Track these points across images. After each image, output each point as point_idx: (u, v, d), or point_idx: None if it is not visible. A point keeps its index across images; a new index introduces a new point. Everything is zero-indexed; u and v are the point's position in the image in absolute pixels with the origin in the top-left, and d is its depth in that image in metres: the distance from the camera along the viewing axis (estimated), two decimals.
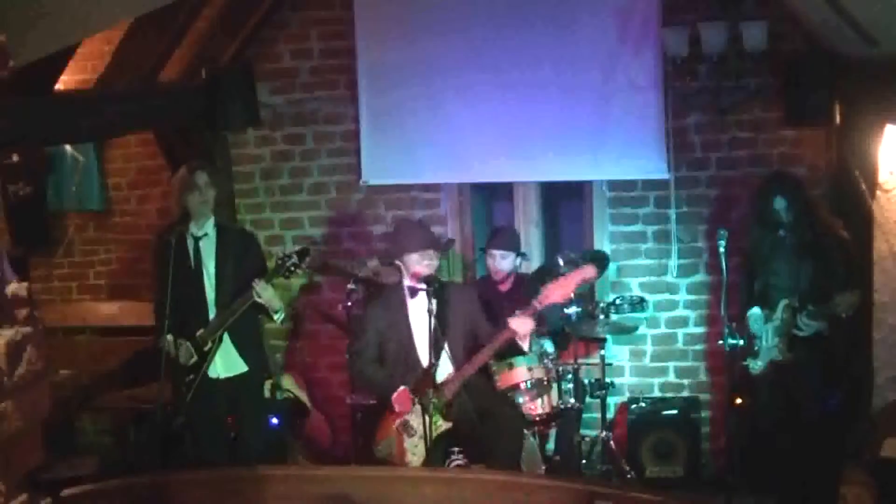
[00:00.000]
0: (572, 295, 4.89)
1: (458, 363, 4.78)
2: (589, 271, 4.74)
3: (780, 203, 5.08)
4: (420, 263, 4.78)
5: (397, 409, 4.77)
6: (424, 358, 4.75)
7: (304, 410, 6.14)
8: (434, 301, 4.59)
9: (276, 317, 5.05)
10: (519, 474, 4.64)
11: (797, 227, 5.07)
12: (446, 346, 4.76)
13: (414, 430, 4.73)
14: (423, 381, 4.69)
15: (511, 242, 5.58)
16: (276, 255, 4.93)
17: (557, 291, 4.66)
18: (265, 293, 4.84)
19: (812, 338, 4.94)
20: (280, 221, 6.45)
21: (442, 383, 4.73)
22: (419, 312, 4.79)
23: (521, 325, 4.69)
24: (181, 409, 4.96)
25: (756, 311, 5.10)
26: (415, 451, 4.74)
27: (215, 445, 5.09)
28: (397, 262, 4.90)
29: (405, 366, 4.82)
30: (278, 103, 6.31)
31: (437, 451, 4.70)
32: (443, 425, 4.71)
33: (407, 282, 4.87)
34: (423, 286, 4.69)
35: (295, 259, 4.80)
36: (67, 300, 6.79)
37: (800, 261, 5.04)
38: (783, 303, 4.99)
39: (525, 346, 4.75)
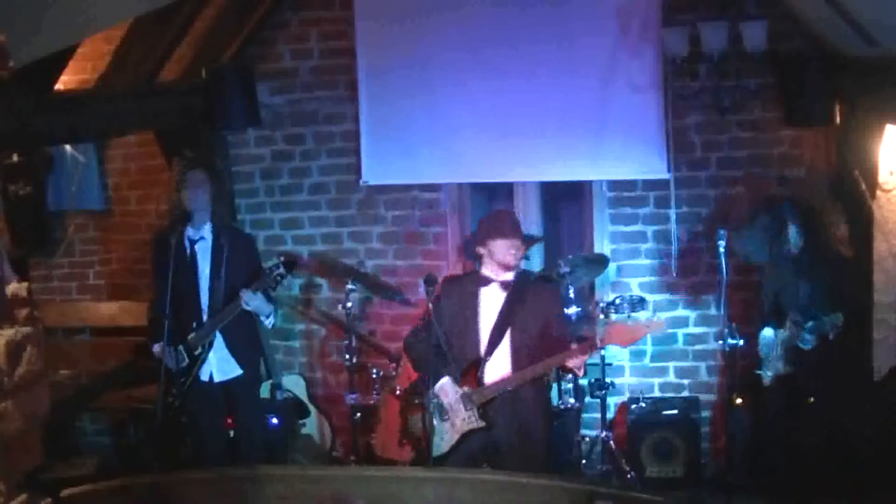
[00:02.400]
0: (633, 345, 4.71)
1: (515, 360, 4.60)
2: (658, 325, 4.52)
3: (793, 233, 5.08)
4: (507, 252, 4.59)
5: (439, 396, 4.63)
6: (482, 348, 4.61)
7: (304, 410, 6.14)
8: (498, 306, 4.55)
9: (266, 322, 5.04)
10: (519, 474, 4.64)
11: (793, 237, 5.08)
12: (508, 342, 4.60)
13: (448, 415, 4.59)
14: (470, 372, 4.58)
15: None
16: (265, 267, 4.90)
17: (624, 336, 4.41)
18: (252, 302, 4.84)
19: (814, 349, 4.95)
20: (280, 221, 6.45)
21: (485, 385, 4.56)
22: (489, 302, 4.65)
23: (576, 361, 4.44)
24: (171, 412, 4.94)
25: (767, 334, 5.09)
26: (444, 436, 4.61)
27: (214, 448, 5.08)
28: (480, 250, 4.69)
29: (462, 352, 4.65)
30: (278, 103, 6.31)
31: (468, 450, 4.58)
32: (475, 423, 4.55)
33: (484, 270, 4.67)
34: (503, 277, 4.60)
35: (282, 270, 4.80)
36: (67, 300, 6.79)
37: (801, 276, 5.05)
38: (790, 318, 5.00)
39: (580, 373, 4.55)
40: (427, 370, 4.64)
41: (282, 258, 4.88)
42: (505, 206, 6.34)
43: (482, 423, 4.55)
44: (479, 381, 4.56)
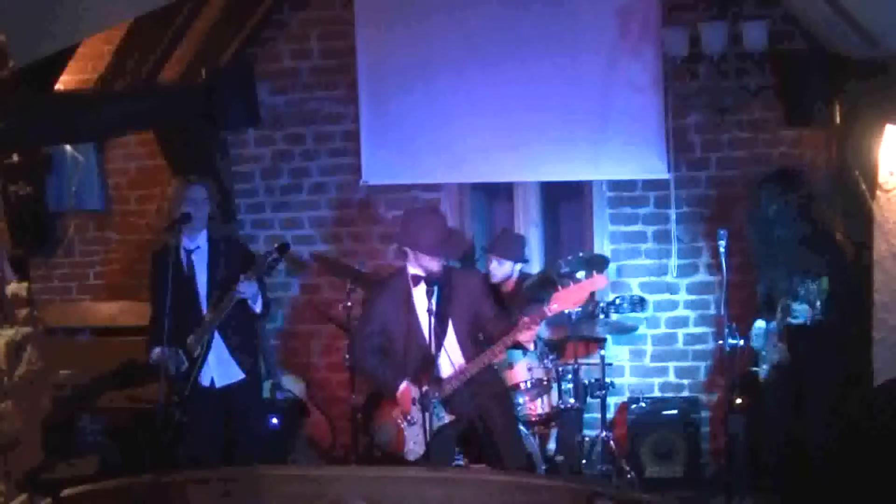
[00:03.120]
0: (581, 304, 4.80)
1: (464, 350, 4.69)
2: (600, 281, 4.62)
3: (766, 191, 5.07)
4: (432, 262, 4.63)
5: (400, 404, 4.70)
6: (431, 346, 4.62)
7: (304, 410, 6.14)
8: (434, 301, 4.52)
9: (255, 307, 4.95)
10: (519, 474, 4.64)
11: (790, 223, 5.05)
12: (453, 334, 4.67)
13: (414, 419, 4.64)
14: (424, 371, 4.60)
15: (511, 251, 5.56)
16: (258, 254, 4.90)
17: (570, 299, 4.53)
18: (249, 290, 4.81)
19: (811, 332, 4.92)
20: (280, 221, 6.45)
21: (443, 379, 4.64)
22: (423, 298, 4.63)
23: (528, 335, 4.53)
24: (172, 416, 4.93)
25: (760, 326, 5.09)
26: (416, 439, 4.65)
27: (212, 450, 5.05)
28: (406, 249, 4.71)
29: (410, 353, 4.70)
30: (278, 103, 6.31)
31: (441, 443, 4.64)
32: (445, 417, 4.63)
33: (412, 269, 4.71)
34: (425, 277, 4.62)
35: (275, 254, 4.79)
36: (67, 300, 6.78)
37: (795, 261, 5.03)
38: (781, 303, 4.98)
39: (530, 346, 4.67)
40: (385, 381, 4.71)
41: (275, 244, 4.88)
42: (503, 207, 6.38)
43: (451, 417, 4.62)
44: (436, 378, 4.60)
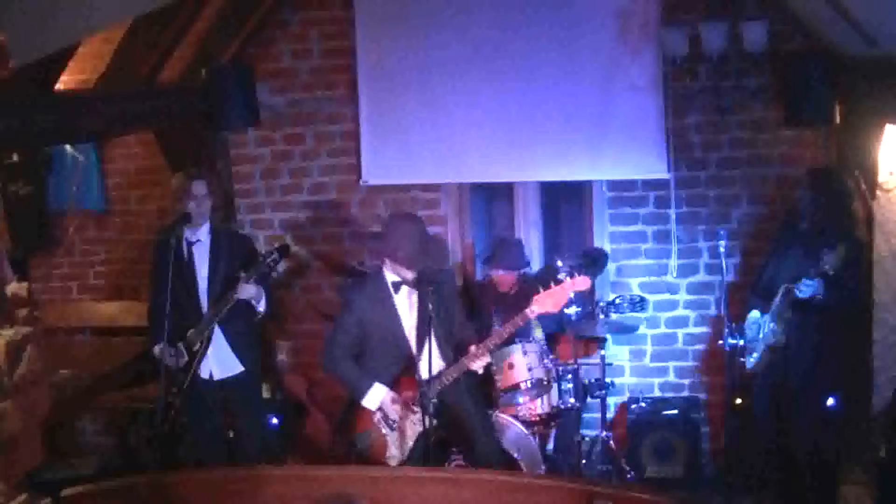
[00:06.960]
0: (564, 305, 4.75)
1: (444, 353, 4.66)
2: (583, 282, 4.59)
3: (804, 196, 5.02)
4: (406, 271, 4.62)
5: (382, 407, 4.65)
6: (413, 350, 4.64)
7: (304, 410, 6.14)
8: (416, 304, 4.55)
9: (258, 307, 5.00)
10: (519, 474, 4.64)
11: (816, 221, 5.00)
12: (435, 337, 4.58)
13: (395, 423, 4.63)
14: (407, 375, 4.60)
15: (513, 261, 5.57)
16: (260, 253, 4.92)
17: (549, 301, 4.54)
18: (247, 292, 4.84)
19: (808, 316, 4.88)
20: (280, 221, 6.45)
21: (432, 380, 4.53)
22: (406, 302, 4.66)
23: (508, 329, 4.60)
24: (171, 412, 4.94)
25: (754, 315, 5.08)
26: (397, 444, 4.65)
27: (212, 447, 5.07)
28: (383, 257, 4.70)
29: (388, 358, 4.68)
30: (278, 103, 6.31)
31: (420, 448, 4.61)
32: (428, 423, 4.50)
33: (389, 276, 4.67)
34: (411, 284, 4.60)
35: (276, 255, 4.83)
36: (67, 300, 6.79)
37: (808, 253, 5.01)
38: (782, 288, 4.94)
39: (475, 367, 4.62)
40: (358, 385, 4.66)
41: (276, 244, 4.94)
42: (503, 207, 6.37)
43: (435, 421, 4.50)
44: (417, 382, 4.56)
